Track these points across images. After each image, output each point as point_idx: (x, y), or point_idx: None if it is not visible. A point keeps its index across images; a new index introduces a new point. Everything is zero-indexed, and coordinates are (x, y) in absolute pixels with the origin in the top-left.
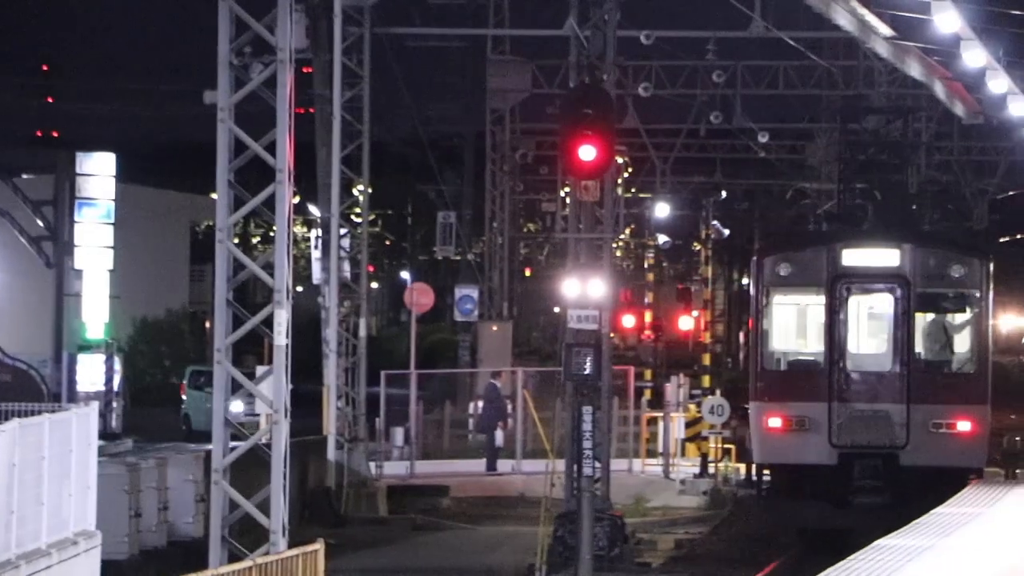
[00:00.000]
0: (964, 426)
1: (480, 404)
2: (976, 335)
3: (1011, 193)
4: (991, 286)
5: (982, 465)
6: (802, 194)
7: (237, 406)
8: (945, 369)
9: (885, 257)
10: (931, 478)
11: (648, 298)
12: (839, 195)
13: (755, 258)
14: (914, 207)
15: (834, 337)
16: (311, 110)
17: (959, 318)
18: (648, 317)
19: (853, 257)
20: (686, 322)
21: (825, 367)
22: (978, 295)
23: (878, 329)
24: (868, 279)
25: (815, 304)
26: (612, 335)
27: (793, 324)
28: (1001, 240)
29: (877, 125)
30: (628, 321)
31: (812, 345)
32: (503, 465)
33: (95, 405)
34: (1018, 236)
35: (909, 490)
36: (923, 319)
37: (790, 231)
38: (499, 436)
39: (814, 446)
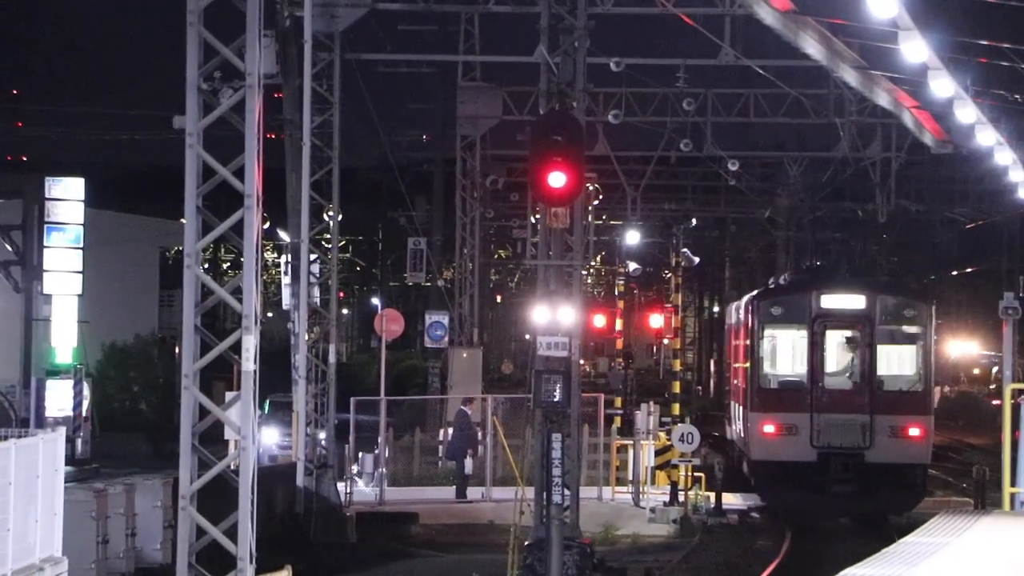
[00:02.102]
0: (914, 432)
1: (450, 431)
2: (923, 362)
3: (979, 223)
4: (934, 323)
5: (927, 461)
6: (772, 224)
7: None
8: (899, 387)
9: (854, 301)
10: (889, 472)
11: (618, 324)
12: (811, 251)
13: (754, 300)
14: (884, 236)
15: (814, 362)
16: (281, 135)
17: (910, 348)
18: (619, 324)
19: (829, 301)
20: (656, 320)
21: (807, 385)
22: (924, 331)
23: (848, 356)
24: (840, 318)
25: (799, 337)
26: (582, 362)
27: (782, 352)
28: (969, 270)
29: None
30: (599, 321)
31: (797, 368)
32: (473, 492)
33: (62, 430)
34: (979, 267)
35: (872, 481)
36: (883, 349)
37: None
38: (468, 464)
39: (798, 446)
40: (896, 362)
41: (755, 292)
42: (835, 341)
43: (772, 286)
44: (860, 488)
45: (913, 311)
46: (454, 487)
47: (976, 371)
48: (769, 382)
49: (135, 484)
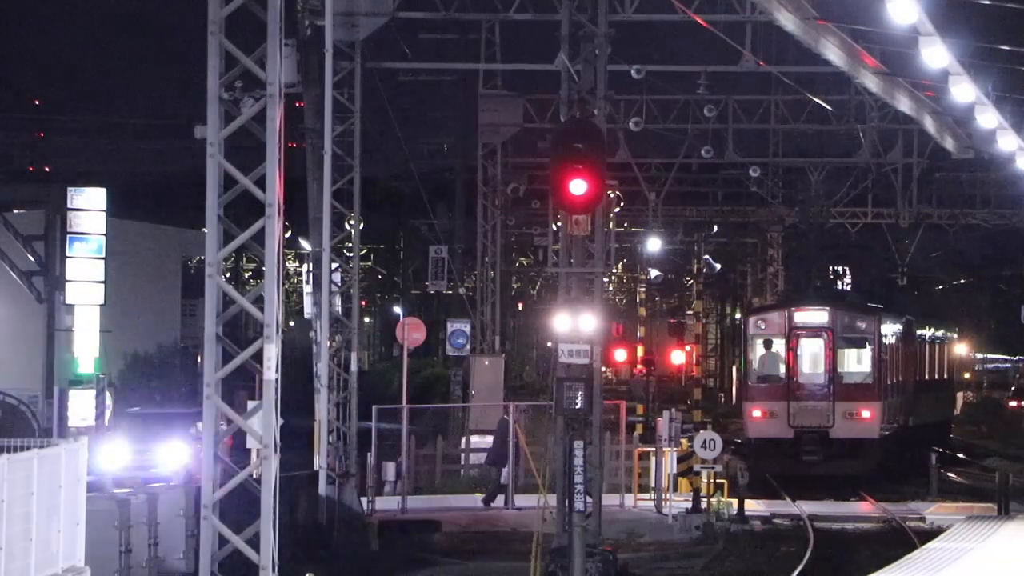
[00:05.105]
0: (866, 414)
1: (473, 439)
2: (873, 361)
3: (1001, 226)
4: (881, 332)
5: (876, 436)
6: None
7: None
8: (855, 381)
9: (819, 316)
10: (847, 445)
11: (640, 332)
12: (787, 281)
13: (745, 315)
14: (906, 241)
15: (790, 363)
16: (302, 145)
17: (862, 352)
18: (640, 352)
19: (801, 316)
20: (678, 356)
21: (786, 380)
22: (873, 338)
23: (816, 358)
24: (810, 329)
25: (779, 344)
26: (604, 369)
27: (767, 356)
28: (962, 281)
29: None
30: (620, 355)
31: (778, 368)
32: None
33: (84, 440)
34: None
35: (834, 452)
36: (842, 352)
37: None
38: (505, 472)
39: (779, 426)
40: (852, 362)
41: (748, 310)
42: (806, 346)
43: (761, 305)
44: (825, 457)
45: (864, 324)
46: (476, 495)
47: (967, 375)
48: (757, 379)
49: (157, 493)
